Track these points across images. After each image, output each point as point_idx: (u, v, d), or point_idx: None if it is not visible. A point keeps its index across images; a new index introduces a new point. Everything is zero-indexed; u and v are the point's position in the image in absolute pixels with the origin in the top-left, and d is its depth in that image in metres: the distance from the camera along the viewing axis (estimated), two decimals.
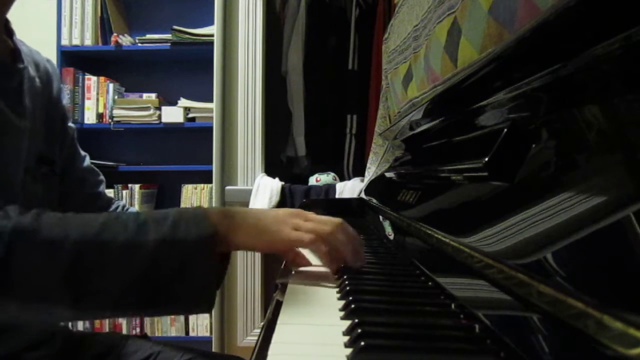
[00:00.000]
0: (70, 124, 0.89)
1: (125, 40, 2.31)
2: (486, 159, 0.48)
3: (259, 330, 0.47)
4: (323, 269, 0.66)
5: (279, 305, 0.52)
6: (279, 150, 2.24)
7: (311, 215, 0.64)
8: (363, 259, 0.63)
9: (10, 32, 0.76)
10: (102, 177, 0.95)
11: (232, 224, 0.59)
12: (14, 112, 0.72)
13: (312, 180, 2.16)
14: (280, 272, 0.68)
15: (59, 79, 0.87)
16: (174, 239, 0.54)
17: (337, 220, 0.64)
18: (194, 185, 2.30)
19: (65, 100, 0.88)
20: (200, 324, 2.24)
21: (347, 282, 0.56)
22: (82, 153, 0.92)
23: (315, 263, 0.68)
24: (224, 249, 0.60)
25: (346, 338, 0.40)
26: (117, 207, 0.94)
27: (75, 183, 0.88)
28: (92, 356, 0.84)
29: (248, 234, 0.60)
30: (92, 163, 0.95)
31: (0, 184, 0.69)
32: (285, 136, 2.22)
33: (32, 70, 0.79)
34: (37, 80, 0.79)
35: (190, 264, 0.54)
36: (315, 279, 0.62)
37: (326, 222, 0.63)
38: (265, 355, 0.38)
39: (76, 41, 2.29)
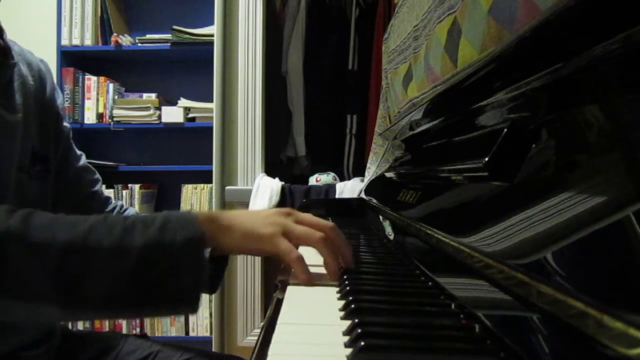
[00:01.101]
0: (65, 123, 0.89)
1: (125, 40, 2.31)
2: (486, 159, 0.48)
3: (259, 330, 0.47)
4: (322, 269, 0.66)
5: (279, 304, 0.52)
6: (279, 150, 2.24)
7: (303, 216, 0.64)
8: (353, 262, 0.63)
9: (0, 31, 0.77)
10: (98, 176, 0.94)
11: (220, 227, 0.59)
12: (4, 107, 0.72)
13: (312, 180, 2.16)
14: (280, 271, 0.68)
15: (52, 79, 0.87)
16: (160, 243, 0.55)
17: (329, 224, 0.63)
18: (194, 185, 2.30)
19: (60, 99, 0.87)
20: (200, 324, 2.24)
21: (347, 282, 0.56)
22: (78, 152, 0.92)
23: (313, 262, 0.68)
24: (214, 252, 0.61)
25: (346, 338, 0.40)
26: (114, 207, 0.94)
27: (70, 182, 0.88)
28: (91, 355, 0.84)
29: (237, 238, 0.60)
30: (92, 163, 0.95)
31: None
32: (285, 136, 2.22)
33: (24, 69, 0.79)
34: (29, 78, 0.80)
35: (177, 268, 0.55)
36: (316, 278, 0.62)
37: (320, 226, 0.62)
38: (265, 355, 0.38)
39: (76, 41, 2.29)
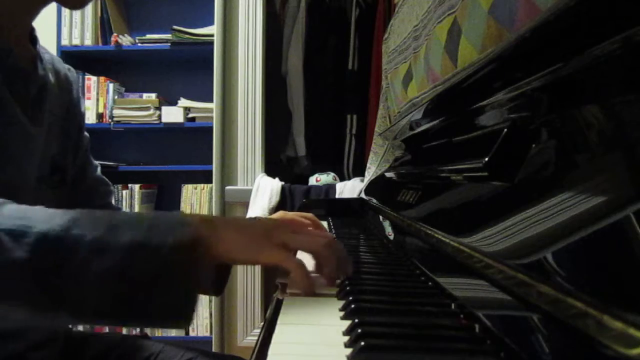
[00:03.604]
0: (86, 134, 0.89)
1: (125, 40, 2.31)
2: (486, 159, 0.48)
3: (259, 330, 0.47)
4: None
5: (279, 304, 0.52)
6: (279, 150, 2.24)
7: (301, 228, 0.62)
8: (349, 272, 0.60)
9: (34, 40, 0.76)
10: (112, 187, 0.95)
11: (214, 232, 0.54)
12: (31, 120, 0.71)
13: (312, 180, 2.16)
14: (280, 272, 0.68)
15: (78, 87, 0.87)
16: (148, 244, 0.49)
17: (330, 235, 0.62)
18: (194, 185, 2.30)
19: (83, 108, 0.87)
20: (200, 324, 2.24)
21: (347, 282, 0.56)
22: (94, 163, 0.92)
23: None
24: (206, 258, 0.53)
25: (346, 338, 0.40)
26: None
27: (85, 193, 0.88)
28: (93, 356, 0.84)
29: (231, 245, 0.54)
30: None
31: (12, 193, 0.69)
32: (285, 136, 2.22)
33: (52, 78, 0.79)
34: (57, 89, 0.79)
35: (166, 273, 0.49)
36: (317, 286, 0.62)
37: (322, 236, 0.60)
38: (265, 355, 0.38)
39: (76, 41, 2.29)
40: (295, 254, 0.68)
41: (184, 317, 0.49)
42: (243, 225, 0.57)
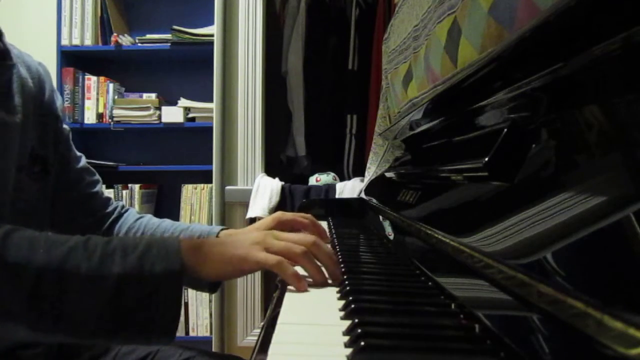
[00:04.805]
0: (65, 125, 0.89)
1: (125, 40, 2.31)
2: (486, 159, 0.48)
3: (259, 330, 0.47)
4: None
5: (279, 304, 0.52)
6: (279, 150, 2.24)
7: (283, 234, 0.64)
8: (339, 277, 0.61)
9: None
10: (97, 177, 0.95)
11: (200, 256, 0.59)
12: (3, 108, 0.72)
13: (312, 180, 2.16)
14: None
15: (51, 82, 0.88)
16: (138, 273, 0.54)
17: (310, 238, 0.63)
18: (194, 185, 2.30)
19: (59, 102, 0.88)
20: (200, 324, 2.24)
21: (347, 282, 0.56)
22: (78, 154, 0.92)
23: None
24: (195, 278, 0.60)
25: (346, 338, 0.40)
26: (115, 208, 0.94)
27: (70, 183, 0.88)
28: (91, 354, 0.84)
29: (215, 266, 0.60)
30: (92, 163, 0.95)
31: None
32: (285, 136, 2.22)
33: (23, 71, 0.80)
34: (29, 80, 0.80)
35: (154, 299, 0.54)
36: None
37: (301, 242, 0.62)
38: (265, 355, 0.38)
39: (76, 41, 2.29)
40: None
41: (168, 335, 0.56)
42: (227, 244, 0.62)
